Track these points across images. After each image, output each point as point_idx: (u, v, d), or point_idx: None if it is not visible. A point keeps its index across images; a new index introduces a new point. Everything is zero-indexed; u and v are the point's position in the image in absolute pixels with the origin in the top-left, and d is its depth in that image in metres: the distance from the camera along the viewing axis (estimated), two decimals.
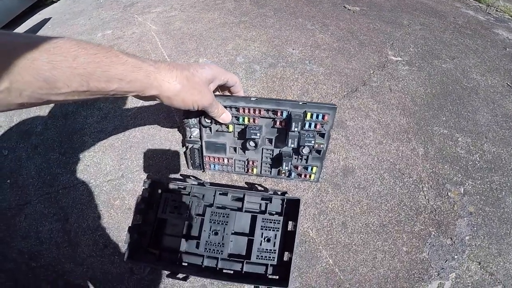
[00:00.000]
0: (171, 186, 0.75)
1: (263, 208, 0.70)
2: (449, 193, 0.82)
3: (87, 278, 0.80)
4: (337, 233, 0.72)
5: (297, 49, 1.11)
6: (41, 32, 1.60)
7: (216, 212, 0.68)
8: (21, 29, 1.71)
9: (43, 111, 1.14)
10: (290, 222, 0.68)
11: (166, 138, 0.96)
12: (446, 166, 0.87)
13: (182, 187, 0.74)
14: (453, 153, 0.90)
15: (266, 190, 0.70)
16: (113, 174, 0.93)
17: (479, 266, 0.71)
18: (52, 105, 1.16)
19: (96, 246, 0.83)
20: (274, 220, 0.67)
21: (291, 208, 0.68)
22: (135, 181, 0.90)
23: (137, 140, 0.98)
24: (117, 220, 0.85)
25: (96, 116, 1.07)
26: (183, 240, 0.68)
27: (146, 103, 1.05)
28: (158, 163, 0.93)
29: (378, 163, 0.82)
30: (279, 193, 0.68)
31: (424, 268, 0.69)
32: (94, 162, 0.97)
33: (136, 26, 1.36)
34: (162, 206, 0.71)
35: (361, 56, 1.11)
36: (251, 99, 0.59)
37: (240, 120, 0.63)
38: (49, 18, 1.73)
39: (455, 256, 0.72)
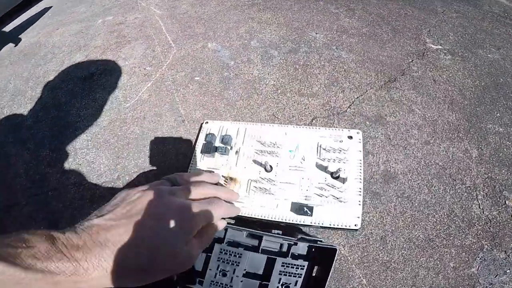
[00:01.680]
0: None
1: (284, 249, 0.59)
2: (507, 202, 0.70)
3: None
4: (374, 250, 0.63)
5: (321, 33, 0.97)
6: (40, 22, 1.51)
7: (227, 250, 0.58)
8: (22, 18, 1.61)
9: (35, 101, 1.02)
10: (316, 267, 0.57)
11: (169, 134, 0.82)
12: (503, 171, 0.73)
13: None
14: (511, 155, 0.76)
15: (291, 234, 0.59)
16: (107, 176, 0.80)
17: None
18: (44, 95, 1.04)
19: None
20: (297, 265, 0.56)
21: (321, 254, 0.57)
22: (132, 185, 0.77)
23: (136, 136, 0.83)
24: None
25: (91, 107, 0.93)
26: (184, 276, 0.56)
27: (146, 94, 0.91)
28: (160, 165, 0.79)
29: (426, 167, 0.70)
30: (309, 238, 0.57)
31: (470, 285, 0.60)
32: (87, 160, 0.84)
33: (139, 11, 1.23)
34: None
35: (395, 42, 0.96)
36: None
37: None
38: (50, 7, 1.64)
39: (507, 271, 0.62)
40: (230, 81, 0.89)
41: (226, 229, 0.60)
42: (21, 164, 0.88)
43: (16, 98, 1.06)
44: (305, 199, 0.63)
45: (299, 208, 0.60)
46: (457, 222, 0.65)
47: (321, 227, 0.61)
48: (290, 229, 0.66)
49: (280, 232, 0.64)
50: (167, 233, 0.27)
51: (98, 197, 0.77)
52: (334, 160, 0.66)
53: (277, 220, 0.62)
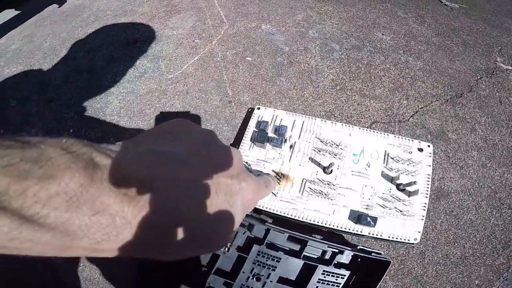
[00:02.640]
0: None
1: (327, 256, 0.56)
2: None
3: (83, 278, 0.64)
4: (411, 263, 0.64)
5: (387, 35, 0.89)
6: None
7: (265, 254, 0.54)
8: None
9: (68, 62, 0.97)
10: (354, 276, 0.56)
11: (213, 114, 0.75)
12: None
13: None
14: None
15: (350, 244, 0.58)
16: None
17: None
18: (79, 56, 0.98)
19: None
20: (338, 274, 0.54)
21: (368, 265, 0.54)
22: None
23: (176, 110, 0.77)
24: None
25: (129, 74, 0.88)
26: (212, 275, 0.54)
27: (192, 67, 0.85)
28: None
29: (478, 189, 0.71)
30: (367, 249, 0.55)
31: None
32: (117, 130, 0.78)
33: None
34: None
35: (465, 57, 0.88)
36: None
37: None
38: None
39: None
40: (283, 67, 0.82)
41: (267, 230, 0.55)
42: (40, 125, 0.83)
43: (49, 57, 1.01)
44: (366, 208, 0.57)
45: (362, 218, 0.54)
46: (494, 243, 0.67)
47: (379, 238, 0.56)
48: (329, 236, 0.61)
49: (322, 237, 0.59)
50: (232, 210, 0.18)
51: None
52: (402, 171, 0.60)
53: (331, 227, 0.56)
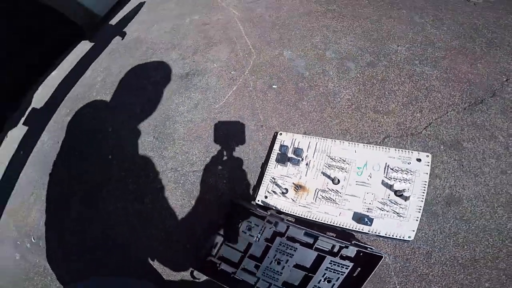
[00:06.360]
0: (249, 207, 0.78)
1: (335, 249, 0.69)
2: None
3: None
4: (417, 262, 0.67)
5: (403, 46, 0.94)
6: (138, 17, 1.70)
7: (285, 244, 0.70)
8: (121, 14, 1.83)
9: (140, 94, 1.22)
10: (358, 268, 0.68)
11: (250, 137, 0.94)
12: None
13: (260, 214, 0.75)
14: None
15: (344, 238, 0.70)
16: (198, 165, 0.95)
17: None
18: (148, 89, 1.23)
19: (165, 232, 0.89)
20: (343, 264, 0.66)
21: (368, 259, 0.66)
22: (217, 176, 0.91)
23: (223, 133, 0.98)
24: (196, 211, 0.88)
25: (187, 105, 1.10)
26: (246, 258, 0.72)
27: (232, 97, 1.04)
28: (243, 161, 0.91)
29: (494, 196, 0.70)
30: (361, 244, 0.68)
31: None
32: (183, 150, 1.01)
33: (221, 12, 1.34)
34: (239, 224, 0.76)
35: (490, 58, 0.86)
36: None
37: None
38: (144, 2, 1.83)
39: None
40: (304, 92, 0.95)
41: (288, 226, 0.71)
42: (130, 148, 1.08)
43: (126, 88, 1.27)
44: (367, 211, 0.71)
45: (361, 218, 0.69)
46: (510, 248, 0.65)
47: (377, 235, 0.69)
48: (342, 234, 0.74)
49: (334, 234, 0.74)
50: None
51: (190, 183, 0.93)
52: (400, 180, 0.71)
53: (337, 225, 0.72)
